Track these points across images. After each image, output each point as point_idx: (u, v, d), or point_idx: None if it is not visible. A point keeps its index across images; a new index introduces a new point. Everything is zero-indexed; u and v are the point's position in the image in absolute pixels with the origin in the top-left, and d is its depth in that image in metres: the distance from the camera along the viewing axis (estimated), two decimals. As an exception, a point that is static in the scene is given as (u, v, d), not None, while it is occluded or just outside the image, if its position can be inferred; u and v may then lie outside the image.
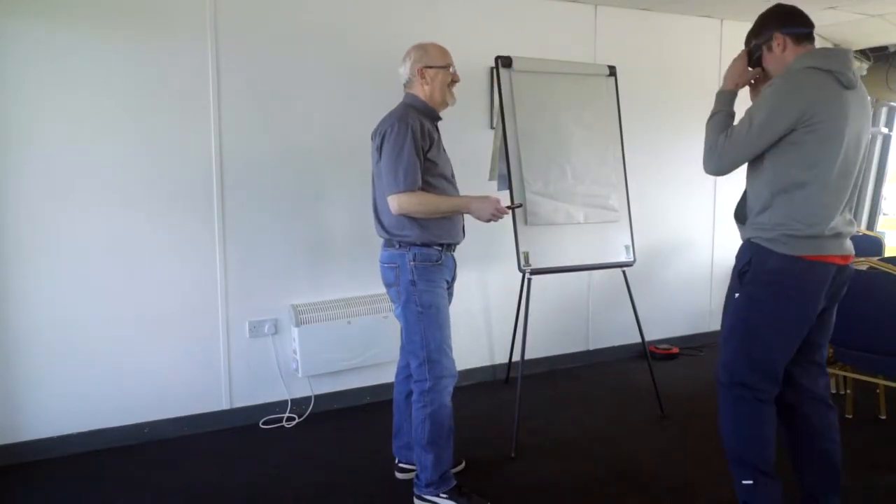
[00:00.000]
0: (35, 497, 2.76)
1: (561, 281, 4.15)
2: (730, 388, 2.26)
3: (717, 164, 2.28)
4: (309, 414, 3.56)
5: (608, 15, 4.29)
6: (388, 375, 3.79)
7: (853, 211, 2.25)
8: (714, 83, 4.74)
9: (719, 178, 4.82)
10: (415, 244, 2.48)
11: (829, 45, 5.23)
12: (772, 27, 2.21)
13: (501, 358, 4.16)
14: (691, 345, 4.80)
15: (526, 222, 3.27)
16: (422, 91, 2.54)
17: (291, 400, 3.55)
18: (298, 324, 3.42)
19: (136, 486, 2.83)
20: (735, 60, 2.37)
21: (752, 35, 2.30)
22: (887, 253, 4.53)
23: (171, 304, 3.25)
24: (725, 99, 2.36)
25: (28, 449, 3.03)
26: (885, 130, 5.66)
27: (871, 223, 5.89)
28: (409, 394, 2.76)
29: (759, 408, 2.22)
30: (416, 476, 2.63)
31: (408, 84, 2.57)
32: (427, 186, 2.46)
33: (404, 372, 2.80)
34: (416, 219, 2.46)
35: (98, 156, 3.06)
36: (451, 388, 2.58)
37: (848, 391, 3.53)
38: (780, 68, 2.21)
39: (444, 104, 2.60)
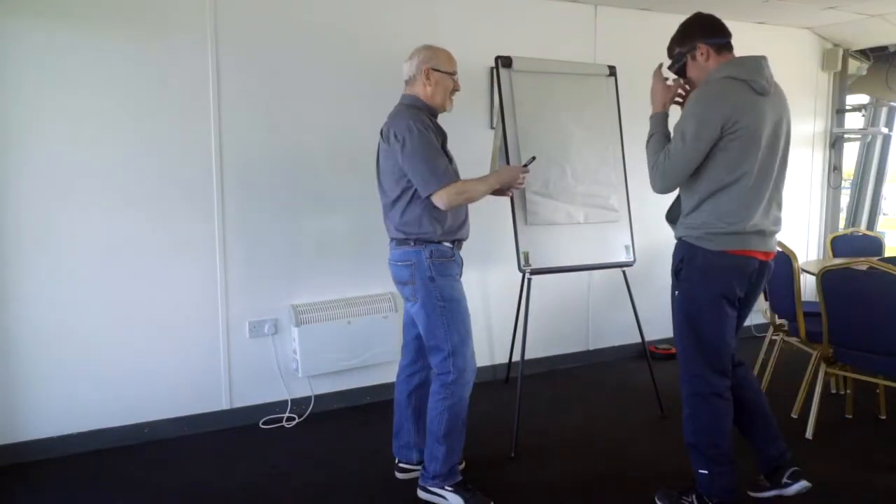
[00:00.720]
0: (35, 497, 2.76)
1: (561, 281, 4.15)
2: (692, 380, 2.44)
3: (662, 183, 2.40)
4: (309, 414, 3.55)
5: (608, 15, 4.29)
6: (388, 375, 3.79)
7: (781, 209, 2.44)
8: (714, 83, 4.75)
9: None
10: (431, 241, 2.53)
11: (829, 43, 5.24)
12: (695, 37, 2.36)
13: (501, 358, 4.16)
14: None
15: (526, 222, 3.27)
16: (423, 91, 2.56)
17: (291, 400, 3.55)
18: (298, 324, 3.42)
19: (136, 486, 2.83)
20: (654, 83, 2.52)
21: (676, 44, 2.44)
22: (887, 253, 4.52)
23: (171, 304, 3.25)
24: (658, 121, 2.49)
25: (28, 449, 3.03)
26: (885, 130, 5.66)
27: (871, 223, 5.88)
28: (411, 393, 2.79)
29: (716, 404, 2.41)
30: (423, 467, 2.66)
31: (410, 81, 2.58)
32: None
33: (407, 371, 2.81)
34: (433, 216, 2.51)
35: (98, 156, 3.06)
36: (471, 384, 2.62)
37: (848, 391, 3.53)
38: (702, 76, 2.37)
39: (443, 109, 2.62)
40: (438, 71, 2.54)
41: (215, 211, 3.31)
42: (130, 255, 3.15)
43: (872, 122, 5.69)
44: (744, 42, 5.38)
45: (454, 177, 2.49)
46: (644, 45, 4.54)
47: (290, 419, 3.49)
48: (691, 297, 2.41)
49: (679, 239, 2.46)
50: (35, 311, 3.00)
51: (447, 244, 2.58)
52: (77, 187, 3.03)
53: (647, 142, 2.48)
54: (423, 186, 2.44)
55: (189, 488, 2.81)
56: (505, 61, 3.34)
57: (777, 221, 2.43)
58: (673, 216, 2.54)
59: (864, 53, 5.36)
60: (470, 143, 3.86)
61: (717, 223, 2.31)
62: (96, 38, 3.01)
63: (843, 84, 5.37)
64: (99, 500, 2.74)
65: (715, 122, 2.23)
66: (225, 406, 3.42)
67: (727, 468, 2.43)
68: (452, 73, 2.59)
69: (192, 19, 3.19)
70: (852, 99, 5.60)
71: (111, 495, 2.77)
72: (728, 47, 2.36)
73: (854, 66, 5.38)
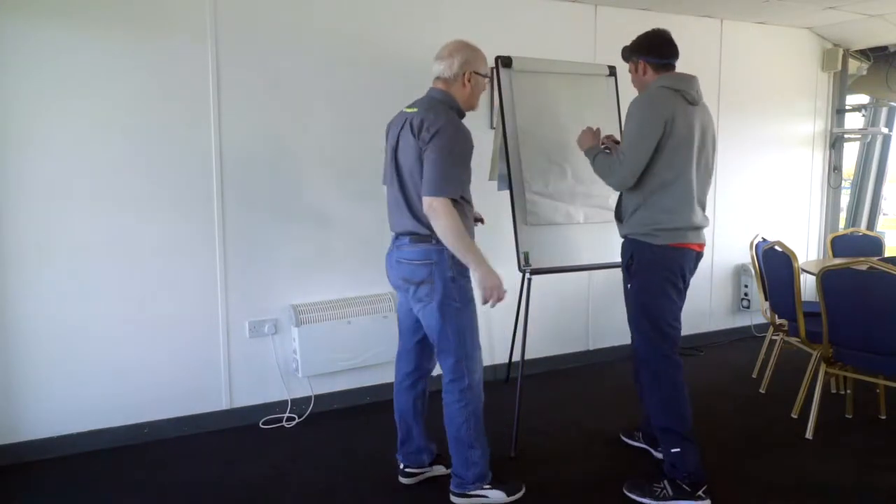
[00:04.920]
0: (35, 497, 2.76)
1: (561, 281, 4.15)
2: (654, 363, 2.66)
3: (620, 177, 2.63)
4: (309, 414, 3.55)
5: (608, 15, 4.29)
6: (388, 375, 3.78)
7: (705, 208, 2.73)
8: (714, 83, 4.76)
9: (719, 180, 4.84)
10: None
11: (829, 43, 5.25)
12: (639, 53, 2.72)
13: (501, 358, 4.16)
14: (691, 345, 4.80)
15: (526, 222, 3.27)
16: (461, 92, 2.51)
17: (291, 400, 3.55)
18: (298, 324, 3.42)
19: (136, 486, 2.83)
20: (581, 133, 2.91)
21: (627, 51, 2.78)
22: (887, 253, 4.52)
23: (171, 304, 3.25)
24: (594, 148, 2.82)
25: (28, 449, 3.03)
26: (885, 130, 5.66)
27: (871, 223, 5.88)
28: (417, 399, 2.75)
29: (676, 381, 2.64)
30: (457, 475, 2.60)
31: (449, 81, 2.50)
32: (461, 199, 2.44)
33: (411, 378, 2.76)
34: (459, 213, 2.41)
35: (98, 156, 3.06)
36: (482, 381, 2.60)
37: (848, 391, 3.53)
38: (639, 86, 2.74)
39: (473, 109, 2.61)
40: (478, 74, 2.52)
41: (215, 211, 3.31)
42: (130, 255, 3.15)
43: (872, 122, 5.69)
44: (744, 42, 5.41)
45: (458, 194, 2.41)
46: (644, 45, 4.56)
47: (290, 419, 3.49)
48: (644, 289, 2.66)
49: (625, 237, 2.73)
50: (35, 311, 3.00)
51: None
52: (77, 187, 3.03)
53: (594, 162, 2.77)
54: (430, 185, 2.34)
55: (189, 488, 2.81)
56: (505, 61, 3.34)
57: (705, 217, 2.71)
58: (619, 215, 2.78)
59: (864, 53, 5.36)
60: (470, 143, 3.87)
61: (660, 221, 2.58)
62: (96, 38, 3.01)
63: (843, 84, 5.37)
64: (99, 500, 2.74)
65: (657, 121, 2.51)
66: (225, 406, 3.42)
67: (693, 444, 2.62)
68: (487, 76, 2.57)
69: (192, 19, 3.19)
70: (852, 99, 5.60)
71: (111, 495, 2.77)
72: (667, 67, 2.68)
73: (854, 66, 5.38)
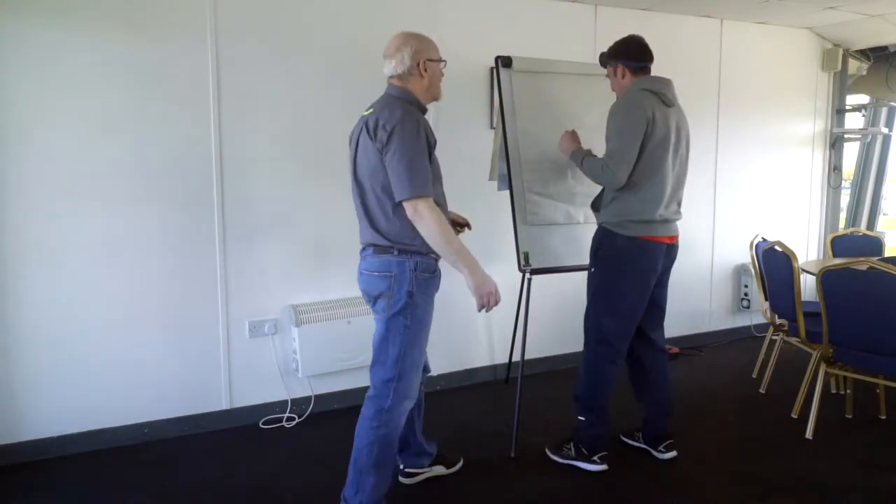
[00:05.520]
0: (35, 497, 2.76)
1: (561, 281, 4.14)
2: (597, 345, 2.88)
3: (613, 176, 2.74)
4: (309, 414, 3.55)
5: (608, 15, 4.29)
6: (388, 375, 3.79)
7: (680, 204, 2.92)
8: (714, 83, 4.76)
9: (719, 181, 4.87)
10: (419, 252, 2.30)
11: (829, 43, 5.24)
12: (619, 57, 2.85)
13: (501, 358, 4.16)
14: (691, 345, 4.80)
15: (526, 222, 3.27)
16: (419, 85, 2.37)
17: (291, 400, 3.55)
18: (298, 324, 3.42)
19: (136, 486, 2.83)
20: (561, 137, 3.08)
21: (607, 55, 2.91)
22: (887, 253, 4.52)
23: (171, 304, 3.25)
24: (578, 150, 2.97)
25: (28, 449, 3.03)
26: (885, 130, 5.66)
27: (871, 223, 5.88)
28: (415, 405, 2.57)
29: (610, 369, 2.88)
30: (345, 499, 2.42)
31: (404, 76, 2.35)
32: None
33: None
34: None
35: (98, 155, 3.06)
36: (407, 412, 2.41)
37: (848, 391, 3.53)
38: (618, 89, 2.90)
39: (436, 99, 2.46)
40: (433, 60, 2.38)
41: (215, 211, 3.31)
42: (130, 255, 3.15)
43: (872, 122, 5.69)
44: (744, 42, 5.40)
45: (435, 195, 2.28)
46: (644, 45, 4.56)
47: (290, 419, 3.49)
48: (607, 274, 2.86)
49: (600, 226, 2.89)
50: (35, 311, 3.00)
51: (432, 256, 2.33)
52: (77, 187, 3.03)
53: (582, 165, 2.91)
54: (403, 187, 2.18)
55: (189, 488, 2.81)
56: (505, 61, 3.34)
57: (677, 212, 2.90)
58: (596, 205, 2.98)
59: (864, 53, 5.36)
60: (470, 143, 3.87)
61: (632, 213, 2.76)
62: (96, 37, 3.01)
63: (843, 84, 5.37)
64: (99, 500, 2.74)
65: (640, 120, 2.68)
66: (225, 406, 3.42)
67: (601, 420, 2.90)
68: (442, 60, 2.43)
69: (192, 19, 3.19)
70: (852, 99, 5.60)
71: (111, 495, 2.77)
72: (644, 70, 2.83)
73: (854, 66, 5.38)
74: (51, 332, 3.03)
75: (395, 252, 2.29)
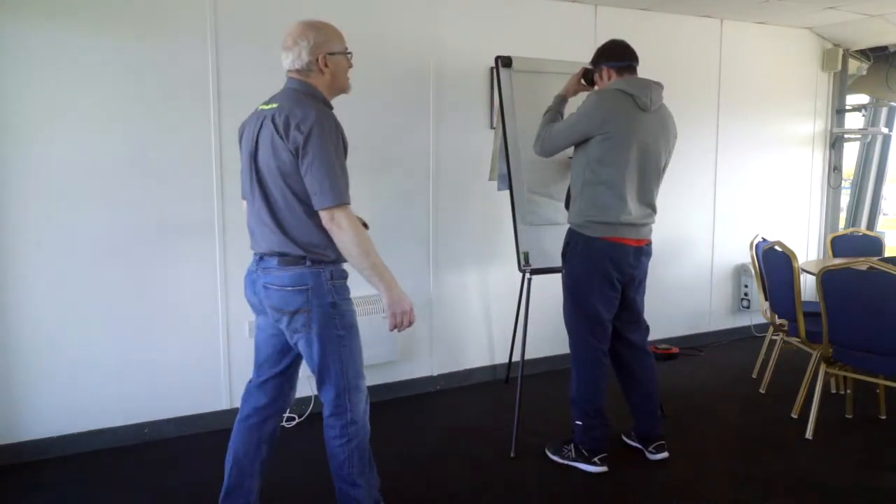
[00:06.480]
0: (35, 497, 2.76)
1: (561, 281, 4.14)
2: (576, 346, 2.93)
3: (541, 148, 2.94)
4: (309, 414, 3.55)
5: (608, 15, 4.29)
6: (387, 376, 3.81)
7: (653, 208, 2.89)
8: (714, 83, 4.76)
9: (720, 181, 4.86)
10: (334, 262, 2.16)
11: (829, 43, 5.24)
12: (603, 60, 2.88)
13: (501, 358, 4.16)
14: (691, 345, 4.80)
15: (526, 222, 3.27)
16: (321, 81, 2.21)
17: (291, 400, 3.55)
18: (298, 324, 3.41)
19: (136, 486, 2.83)
20: (573, 76, 3.08)
21: (593, 60, 2.94)
22: (887, 253, 4.52)
23: (171, 303, 3.25)
24: (559, 101, 3.03)
25: (28, 449, 3.03)
26: (885, 130, 5.66)
27: (871, 223, 5.88)
28: (263, 443, 2.32)
29: (594, 367, 2.89)
30: None
31: (303, 71, 2.20)
32: None
33: (262, 413, 2.31)
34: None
35: (98, 155, 3.06)
36: (368, 409, 2.29)
37: (848, 391, 3.53)
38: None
39: (344, 92, 2.30)
40: (335, 54, 2.22)
41: (215, 211, 3.31)
42: (131, 255, 3.15)
43: (872, 122, 5.69)
44: (744, 42, 5.41)
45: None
46: (644, 45, 4.52)
47: (290, 419, 3.49)
48: (574, 276, 2.90)
49: (568, 226, 2.93)
50: (35, 311, 3.00)
51: (343, 263, 2.19)
52: (77, 187, 3.03)
53: (545, 113, 2.99)
54: (324, 194, 2.03)
55: (189, 488, 2.81)
56: (505, 61, 3.34)
57: (648, 216, 2.87)
58: (567, 204, 3.03)
59: (864, 53, 5.36)
60: (470, 143, 3.87)
61: (593, 214, 2.78)
62: (97, 38, 3.01)
63: (843, 84, 5.37)
64: (99, 500, 2.74)
65: (592, 120, 2.72)
66: (225, 406, 3.42)
67: (599, 422, 2.88)
68: (347, 51, 2.26)
69: (192, 19, 3.19)
70: (852, 99, 5.60)
71: (111, 495, 2.77)
72: (629, 70, 2.84)
73: (854, 66, 5.38)
74: (51, 332, 3.03)
75: (308, 263, 2.12)
